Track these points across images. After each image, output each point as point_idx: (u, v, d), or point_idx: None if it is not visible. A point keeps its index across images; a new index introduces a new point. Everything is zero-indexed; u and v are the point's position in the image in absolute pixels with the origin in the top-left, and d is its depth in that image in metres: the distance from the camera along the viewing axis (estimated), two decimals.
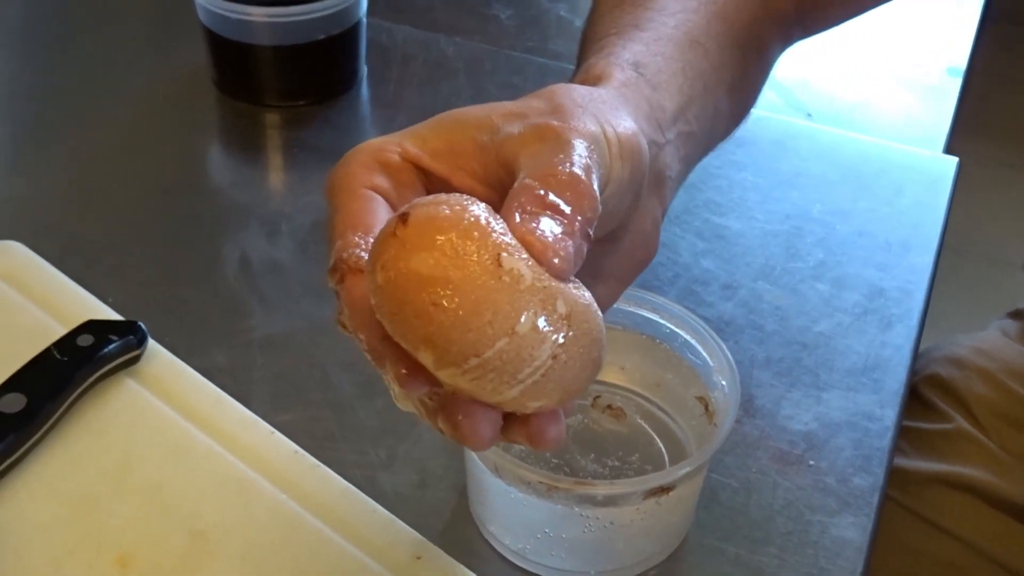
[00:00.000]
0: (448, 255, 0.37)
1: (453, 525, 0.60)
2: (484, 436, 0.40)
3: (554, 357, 0.38)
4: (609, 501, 0.54)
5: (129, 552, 0.57)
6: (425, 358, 0.38)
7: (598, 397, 0.61)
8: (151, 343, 0.66)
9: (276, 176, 0.88)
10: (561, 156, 0.41)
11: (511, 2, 1.05)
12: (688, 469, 0.53)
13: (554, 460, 0.58)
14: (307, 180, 0.84)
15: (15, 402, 0.60)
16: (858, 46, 1.03)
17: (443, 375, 0.38)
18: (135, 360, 0.65)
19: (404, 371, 0.39)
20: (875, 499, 0.62)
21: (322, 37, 0.85)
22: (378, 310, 0.38)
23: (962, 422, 0.82)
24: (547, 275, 0.38)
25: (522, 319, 0.37)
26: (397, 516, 0.59)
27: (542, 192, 0.40)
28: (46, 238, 0.74)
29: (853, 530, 0.60)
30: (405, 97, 0.91)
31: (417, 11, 1.02)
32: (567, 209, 0.40)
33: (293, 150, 0.88)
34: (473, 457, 0.56)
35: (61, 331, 0.65)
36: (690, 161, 0.54)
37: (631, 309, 0.61)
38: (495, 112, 0.44)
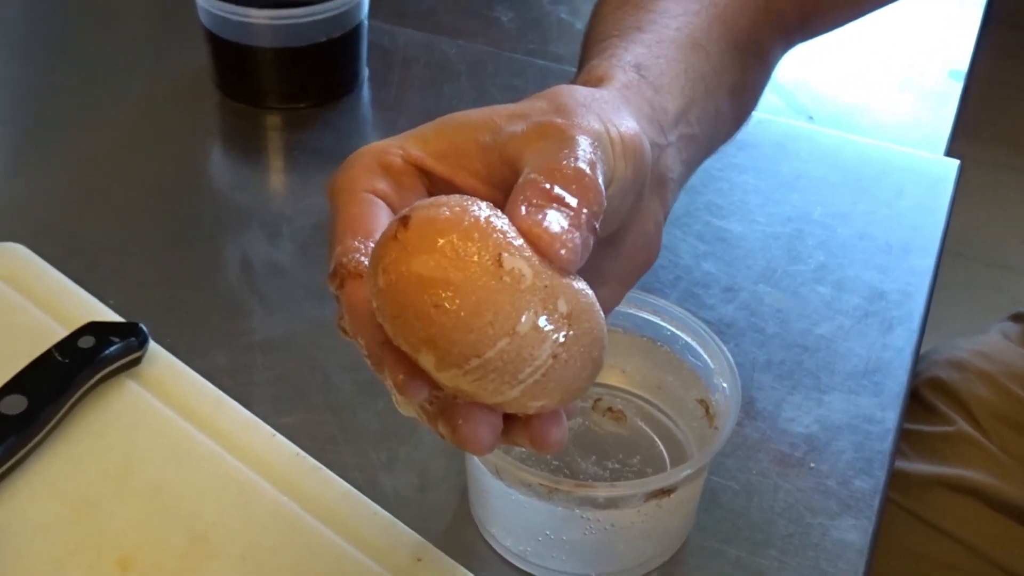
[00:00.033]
0: (449, 257, 0.37)
1: (454, 527, 0.60)
2: (484, 440, 0.40)
3: (554, 356, 0.38)
4: (610, 503, 0.54)
5: (130, 553, 0.57)
6: (427, 360, 0.38)
7: (599, 400, 0.61)
8: (152, 345, 0.66)
9: (277, 178, 0.88)
10: (566, 151, 0.41)
11: (513, 5, 1.05)
12: (689, 471, 0.53)
13: (555, 462, 0.58)
14: (308, 182, 0.84)
15: (16, 404, 0.60)
16: (859, 49, 1.03)
17: (444, 377, 0.38)
18: (136, 362, 0.65)
19: (402, 377, 0.39)
20: (876, 502, 0.62)
21: (323, 39, 0.85)
22: (379, 313, 0.38)
23: (963, 425, 0.82)
24: (549, 274, 0.38)
25: (523, 319, 0.37)
26: (398, 518, 0.59)
27: (547, 185, 0.40)
28: (47, 240, 0.74)
29: (854, 533, 0.60)
30: (407, 100, 0.91)
31: (419, 14, 1.02)
32: (573, 201, 0.40)
33: (294, 152, 0.88)
34: (474, 459, 0.56)
35: (62, 333, 0.65)
36: (692, 163, 0.54)
37: (632, 311, 0.61)
38: (497, 114, 0.44)
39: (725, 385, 0.57)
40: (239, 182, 0.86)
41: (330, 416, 0.65)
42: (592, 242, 0.40)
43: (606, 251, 0.48)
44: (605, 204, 0.41)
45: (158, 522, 0.58)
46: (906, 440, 0.81)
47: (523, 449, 0.47)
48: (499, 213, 0.39)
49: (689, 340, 0.60)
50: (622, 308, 0.60)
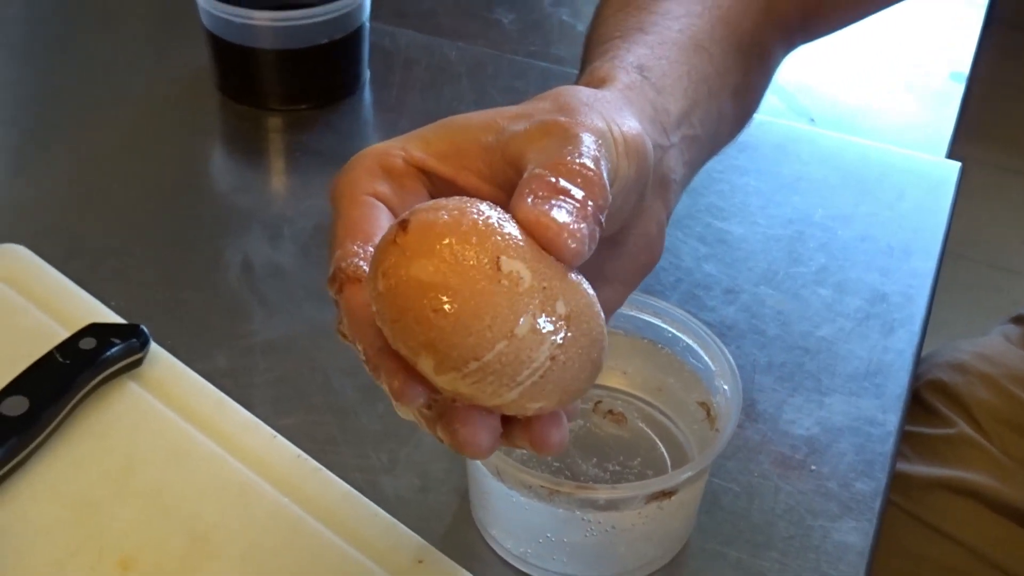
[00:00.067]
0: (447, 261, 0.37)
1: (455, 529, 0.60)
2: (483, 445, 0.40)
3: (552, 358, 0.38)
4: (611, 505, 0.54)
5: (131, 555, 0.57)
6: (425, 364, 0.38)
7: (599, 402, 0.61)
8: (153, 346, 0.66)
9: (278, 180, 0.88)
10: (570, 147, 0.41)
11: (514, 7, 1.05)
12: (690, 474, 0.53)
13: (556, 464, 0.58)
14: (309, 184, 0.84)
15: (17, 405, 0.60)
16: (861, 50, 1.03)
17: (443, 380, 0.38)
18: (137, 363, 0.65)
19: (398, 384, 0.39)
20: (877, 504, 0.62)
21: (325, 41, 0.85)
22: (379, 317, 0.38)
23: (964, 427, 0.82)
24: (548, 275, 0.38)
25: (521, 321, 0.37)
26: (399, 520, 0.59)
27: (553, 179, 0.40)
28: (48, 241, 0.74)
29: (855, 535, 0.60)
30: (408, 101, 0.91)
31: (420, 16, 1.02)
32: (579, 194, 0.40)
33: (295, 154, 0.88)
34: (475, 461, 0.56)
35: (63, 334, 0.65)
36: (694, 165, 0.54)
37: (633, 313, 0.61)
38: (500, 115, 0.44)
39: (726, 387, 0.57)
40: (240, 184, 0.86)
41: (331, 417, 0.65)
42: (598, 235, 0.40)
43: (609, 252, 0.48)
44: (610, 199, 0.41)
45: (159, 523, 0.58)
46: (907, 442, 0.81)
47: (524, 451, 0.47)
48: (501, 213, 0.39)
49: (690, 342, 0.60)
50: (623, 310, 0.60)
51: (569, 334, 0.38)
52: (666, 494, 0.53)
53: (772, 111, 0.94)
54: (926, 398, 0.85)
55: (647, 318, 0.61)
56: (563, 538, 0.56)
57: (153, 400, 0.64)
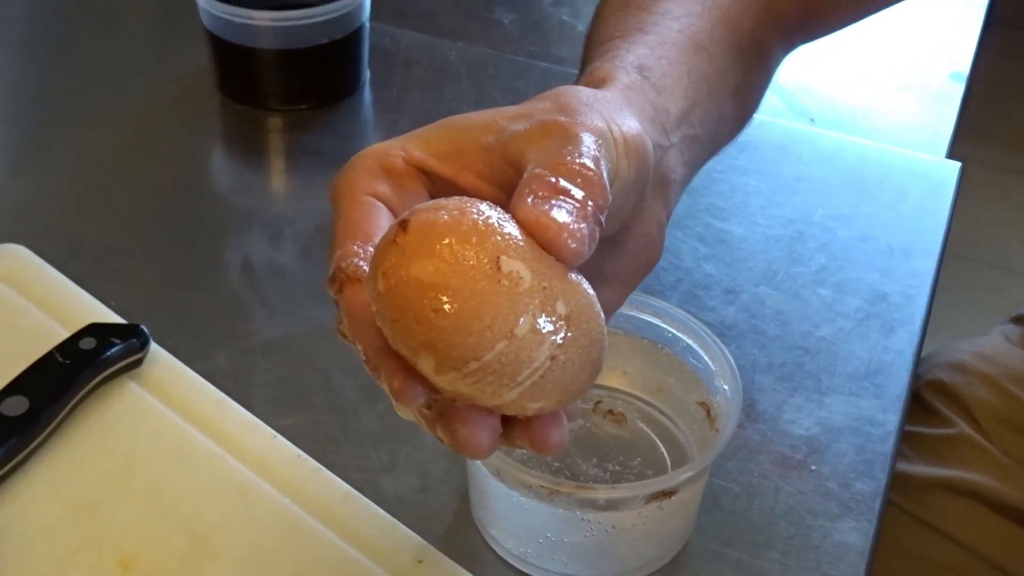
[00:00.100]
0: (447, 261, 0.37)
1: (455, 529, 0.60)
2: (483, 445, 0.40)
3: (552, 358, 0.38)
4: (611, 505, 0.54)
5: (131, 555, 0.57)
6: (425, 364, 0.38)
7: (599, 402, 0.61)
8: (153, 346, 0.66)
9: (278, 180, 0.88)
10: (570, 147, 0.41)
11: (514, 7, 1.05)
12: (690, 474, 0.53)
13: (555, 464, 0.58)
14: (309, 184, 0.84)
15: (17, 405, 0.60)
16: (861, 51, 1.03)
17: (443, 380, 0.38)
18: (137, 363, 0.65)
19: (398, 384, 0.39)
20: (877, 504, 0.62)
21: (325, 41, 0.86)
22: (379, 317, 0.38)
23: (964, 427, 0.82)
24: (548, 275, 0.38)
25: (521, 321, 0.37)
26: (399, 520, 0.59)
27: (553, 179, 0.40)
28: (48, 241, 0.74)
29: (855, 535, 0.60)
30: (408, 101, 0.91)
31: (420, 16, 1.02)
32: (579, 194, 0.40)
33: (295, 154, 0.88)
34: (475, 461, 0.56)
35: (63, 334, 0.65)
36: (694, 165, 0.54)
37: (633, 313, 0.61)
38: (500, 115, 0.44)
39: (726, 387, 0.57)
40: (240, 184, 0.86)
41: (331, 418, 0.65)
42: (598, 235, 0.40)
43: (609, 252, 0.48)
44: (610, 199, 0.41)
45: (159, 523, 0.58)
46: (907, 442, 0.81)
47: (524, 451, 0.47)
48: (500, 213, 0.39)
49: (690, 342, 0.60)
50: (623, 310, 0.60)
51: (569, 334, 0.38)
52: (666, 494, 0.53)
53: (772, 111, 0.94)
54: (926, 398, 0.85)
55: (647, 318, 0.61)
56: (563, 538, 0.56)
57: (153, 400, 0.64)
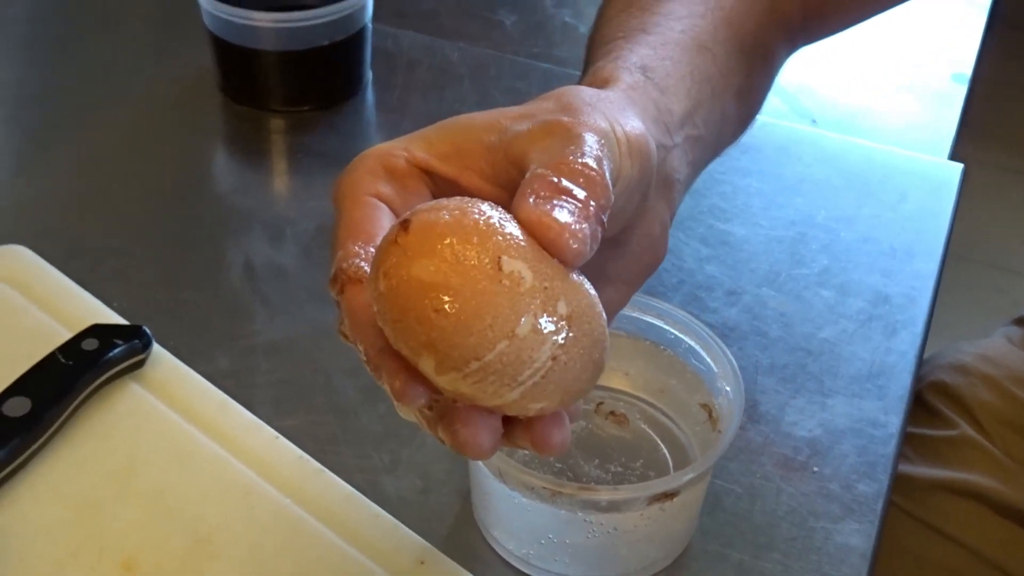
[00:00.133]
0: (449, 261, 0.37)
1: (457, 530, 0.60)
2: (484, 445, 0.40)
3: (554, 358, 0.38)
4: (613, 507, 0.54)
5: (133, 556, 0.57)
6: (427, 364, 0.38)
7: (601, 403, 0.61)
8: (155, 347, 0.66)
9: (280, 181, 0.88)
10: (572, 147, 0.41)
11: (516, 8, 1.05)
12: (692, 475, 0.53)
13: (558, 465, 0.58)
14: (311, 185, 0.84)
15: (20, 406, 0.60)
16: (863, 52, 1.03)
17: (444, 380, 0.38)
18: (140, 364, 0.65)
19: (399, 384, 0.39)
20: (879, 506, 0.62)
21: (327, 43, 0.85)
22: (380, 317, 0.38)
23: (967, 429, 0.82)
24: (550, 275, 0.38)
25: (522, 321, 0.37)
26: (401, 521, 0.59)
27: (555, 179, 0.40)
28: (50, 242, 0.74)
29: (857, 537, 0.60)
30: (410, 102, 0.91)
31: (422, 17, 1.02)
32: (581, 194, 0.39)
33: (297, 155, 0.88)
34: (477, 462, 0.56)
35: (66, 335, 0.65)
36: (697, 165, 0.54)
37: (635, 315, 0.61)
38: (503, 115, 0.44)
39: (728, 389, 0.57)
40: (242, 185, 0.86)
41: (332, 418, 0.65)
42: (600, 235, 0.40)
43: (611, 252, 0.47)
44: (612, 199, 0.41)
45: (161, 524, 0.58)
46: (909, 444, 0.81)
47: (526, 452, 0.47)
48: (502, 213, 0.39)
49: (692, 344, 0.60)
50: (625, 311, 0.60)
51: (571, 334, 0.38)
52: (668, 496, 0.53)
53: (774, 112, 0.94)
54: (928, 400, 0.85)
55: (649, 320, 0.61)
56: (565, 539, 0.56)
57: (155, 401, 0.64)
